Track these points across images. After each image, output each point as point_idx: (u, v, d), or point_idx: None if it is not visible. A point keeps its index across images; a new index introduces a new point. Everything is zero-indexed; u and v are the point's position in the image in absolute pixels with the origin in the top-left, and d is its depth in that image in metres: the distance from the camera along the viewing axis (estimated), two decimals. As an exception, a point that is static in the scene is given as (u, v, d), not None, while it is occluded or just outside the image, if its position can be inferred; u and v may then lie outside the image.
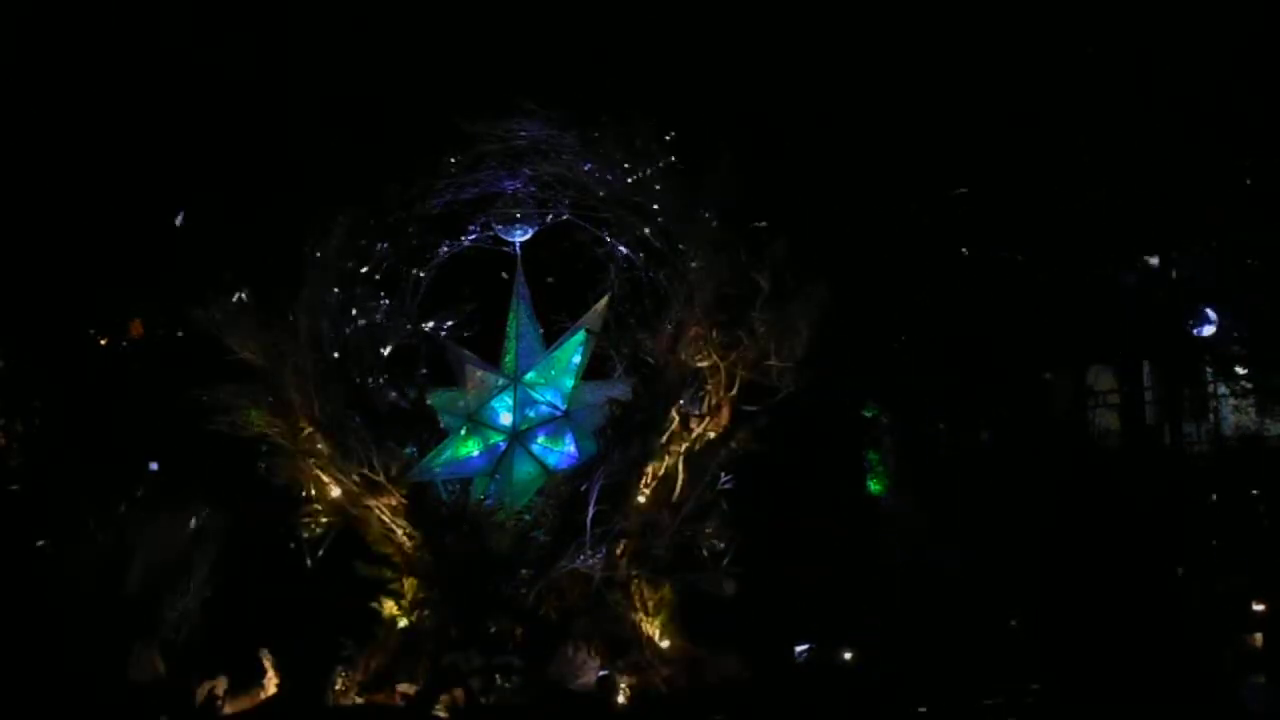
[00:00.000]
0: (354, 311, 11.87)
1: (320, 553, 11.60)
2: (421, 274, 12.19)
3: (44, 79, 13.45)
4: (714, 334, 11.35)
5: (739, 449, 11.52)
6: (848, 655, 11.68)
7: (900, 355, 14.33)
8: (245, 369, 11.45)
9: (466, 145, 11.65)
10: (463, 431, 11.92)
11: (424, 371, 12.19)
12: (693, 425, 11.50)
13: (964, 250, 14.42)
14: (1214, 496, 12.82)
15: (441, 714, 10.63)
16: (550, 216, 12.02)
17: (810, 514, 13.09)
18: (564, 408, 11.93)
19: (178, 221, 12.27)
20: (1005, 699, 10.53)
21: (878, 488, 12.24)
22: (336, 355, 11.65)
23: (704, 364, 11.48)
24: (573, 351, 11.97)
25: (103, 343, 13.27)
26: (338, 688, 11.03)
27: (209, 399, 11.25)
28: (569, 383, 12.00)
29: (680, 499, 11.42)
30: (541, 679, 10.72)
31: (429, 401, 12.04)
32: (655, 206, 11.62)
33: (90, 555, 11.12)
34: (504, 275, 12.23)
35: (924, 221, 14.04)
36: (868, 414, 14.01)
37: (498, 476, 11.73)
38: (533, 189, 11.91)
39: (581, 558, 11.02)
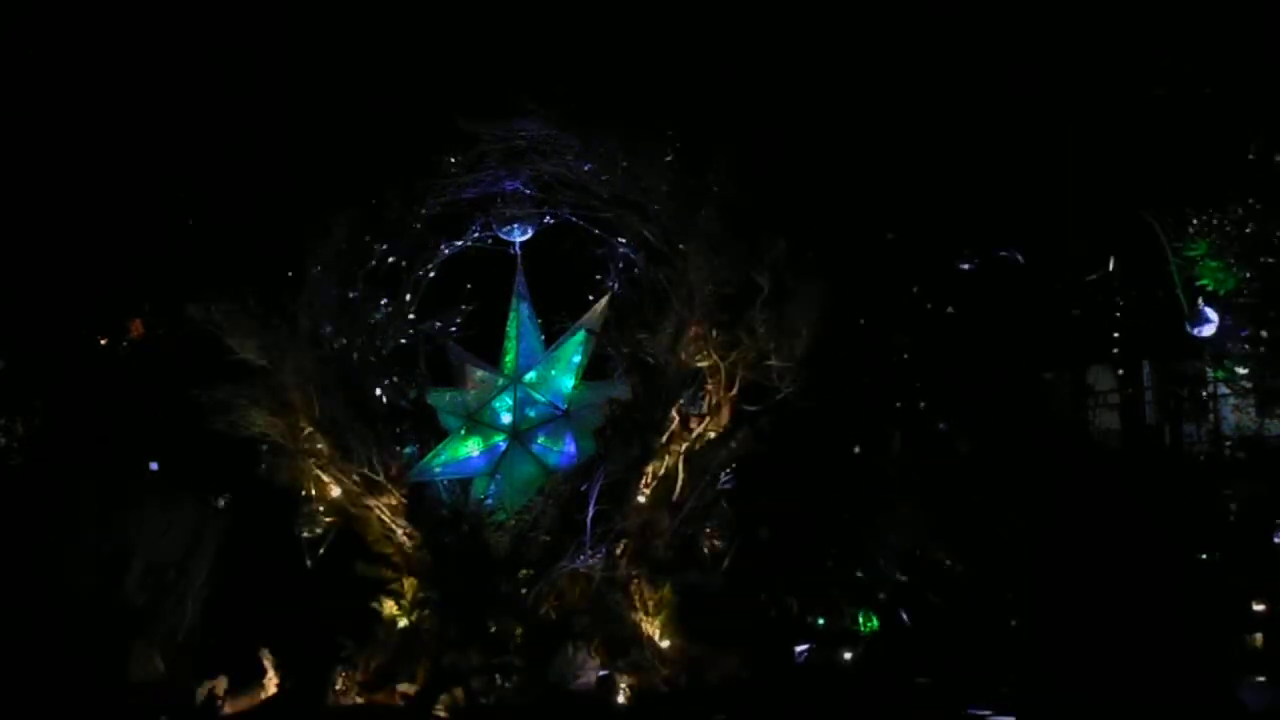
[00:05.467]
0: (354, 311, 11.88)
1: (320, 553, 11.62)
2: (422, 274, 12.20)
3: (45, 78, 13.45)
4: (714, 334, 11.36)
5: (739, 449, 11.53)
6: (847, 655, 11.70)
7: (900, 355, 14.32)
8: (245, 369, 11.45)
9: (466, 145, 11.66)
10: (463, 431, 11.93)
11: (424, 371, 12.21)
12: (693, 425, 11.51)
13: (964, 250, 14.42)
14: (1214, 496, 12.80)
15: (441, 714, 10.64)
16: (550, 217, 12.03)
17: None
18: (564, 408, 11.94)
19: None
20: (1005, 698, 10.53)
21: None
22: (336, 355, 11.66)
23: (704, 364, 11.49)
24: (573, 351, 11.98)
25: (103, 343, 13.25)
26: (338, 688, 11.03)
27: (209, 399, 11.26)
28: (569, 383, 12.01)
29: (680, 499, 11.44)
30: (541, 679, 10.72)
31: (429, 401, 12.05)
32: (655, 206, 11.62)
33: (90, 555, 11.12)
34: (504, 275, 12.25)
35: (924, 221, 14.04)
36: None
37: (498, 476, 11.74)
38: (533, 189, 11.92)
39: (581, 558, 11.03)
